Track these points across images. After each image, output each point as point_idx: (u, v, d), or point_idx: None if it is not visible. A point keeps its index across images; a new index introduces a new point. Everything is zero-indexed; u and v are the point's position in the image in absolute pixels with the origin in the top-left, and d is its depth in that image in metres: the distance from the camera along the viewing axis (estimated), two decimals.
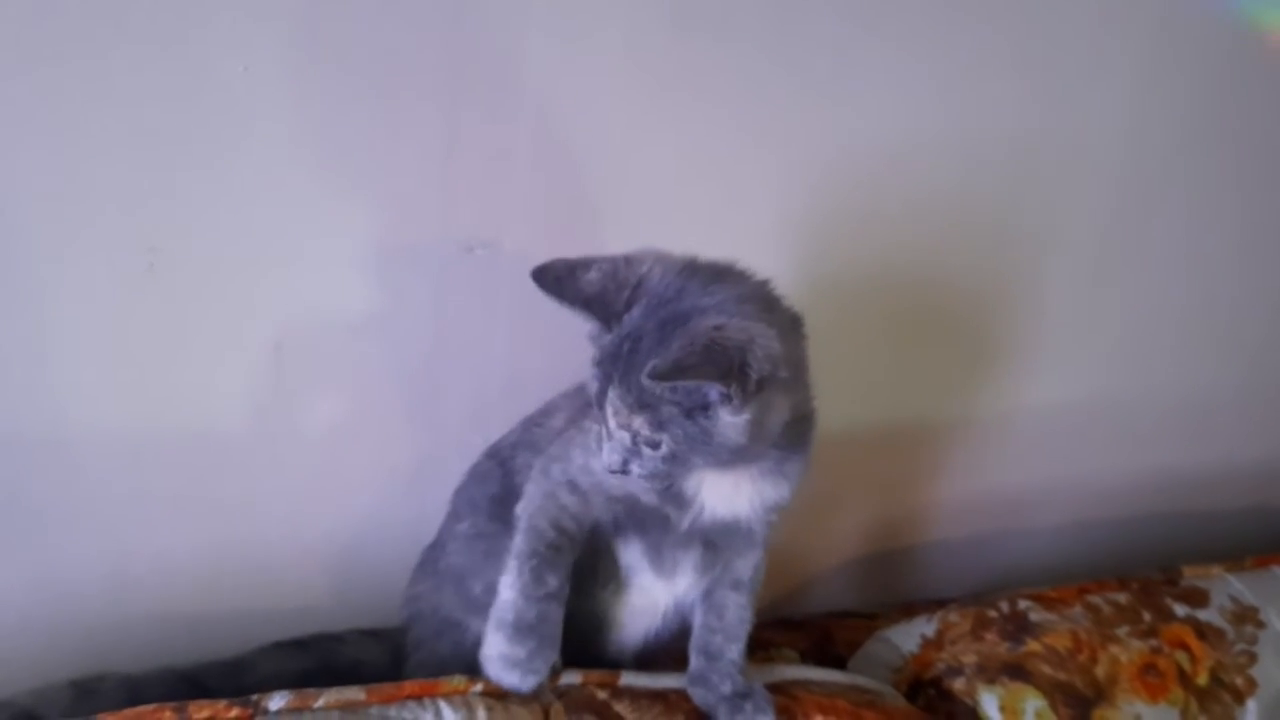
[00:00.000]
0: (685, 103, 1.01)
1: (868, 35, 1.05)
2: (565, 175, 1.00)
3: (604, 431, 0.82)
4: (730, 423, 0.77)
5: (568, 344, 1.07)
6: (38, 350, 0.92)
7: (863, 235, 1.13)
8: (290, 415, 1.02)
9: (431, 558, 1.03)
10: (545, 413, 0.99)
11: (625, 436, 0.80)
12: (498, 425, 1.06)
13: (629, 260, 0.81)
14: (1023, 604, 1.16)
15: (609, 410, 0.80)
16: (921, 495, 1.35)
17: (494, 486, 0.99)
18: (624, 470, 0.82)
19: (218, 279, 0.94)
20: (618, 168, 1.01)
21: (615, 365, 0.78)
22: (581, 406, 0.94)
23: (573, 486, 0.90)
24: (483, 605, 0.98)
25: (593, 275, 0.80)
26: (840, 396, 1.20)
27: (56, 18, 0.80)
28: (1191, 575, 1.25)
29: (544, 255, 1.02)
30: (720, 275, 0.81)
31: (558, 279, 0.80)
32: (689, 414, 0.77)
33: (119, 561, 1.02)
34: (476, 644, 0.98)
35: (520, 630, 0.88)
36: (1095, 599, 1.19)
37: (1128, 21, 1.14)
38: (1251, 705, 1.15)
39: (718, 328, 0.76)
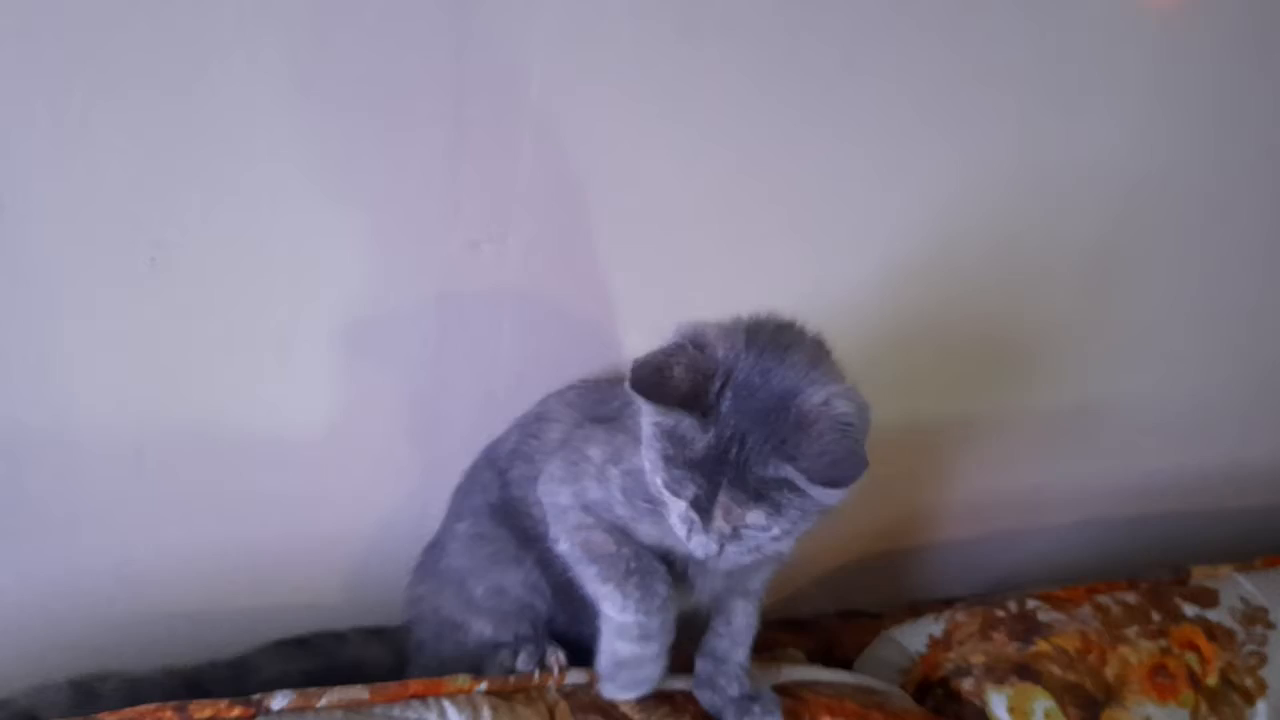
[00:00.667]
0: (689, 105, 1.00)
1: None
2: (571, 171, 0.99)
3: (693, 523, 0.80)
4: (842, 491, 0.76)
5: (573, 341, 1.07)
6: (41, 348, 0.91)
7: (867, 237, 1.13)
8: (295, 412, 1.01)
9: (432, 559, 1.03)
10: (541, 419, 0.98)
11: (727, 527, 0.79)
12: (504, 423, 1.06)
13: (697, 343, 0.79)
14: (1031, 604, 1.16)
15: (719, 511, 0.79)
16: (929, 495, 1.34)
17: (493, 495, 0.99)
18: (719, 553, 0.82)
19: (222, 275, 0.93)
20: (623, 164, 1.00)
21: (723, 468, 0.77)
22: (579, 420, 0.94)
23: (598, 519, 0.89)
24: (484, 607, 0.98)
25: (678, 372, 0.77)
26: None
27: (60, 14, 0.80)
28: (1201, 576, 1.24)
29: (550, 252, 1.02)
30: (782, 337, 0.80)
31: (653, 385, 0.76)
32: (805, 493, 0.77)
33: (121, 560, 1.02)
34: (479, 644, 0.98)
35: (646, 639, 0.89)
36: (1104, 599, 1.18)
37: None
38: (1261, 707, 1.14)
39: (826, 403, 0.76)
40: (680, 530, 0.82)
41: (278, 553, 1.06)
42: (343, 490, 1.07)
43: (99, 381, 0.94)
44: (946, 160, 1.11)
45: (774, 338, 0.80)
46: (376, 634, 1.08)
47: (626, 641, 0.90)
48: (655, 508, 0.86)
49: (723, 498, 0.78)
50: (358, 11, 0.87)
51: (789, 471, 0.75)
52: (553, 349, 1.06)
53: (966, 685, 1.07)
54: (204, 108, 0.86)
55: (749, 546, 0.81)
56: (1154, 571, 1.24)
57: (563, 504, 0.90)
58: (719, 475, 0.77)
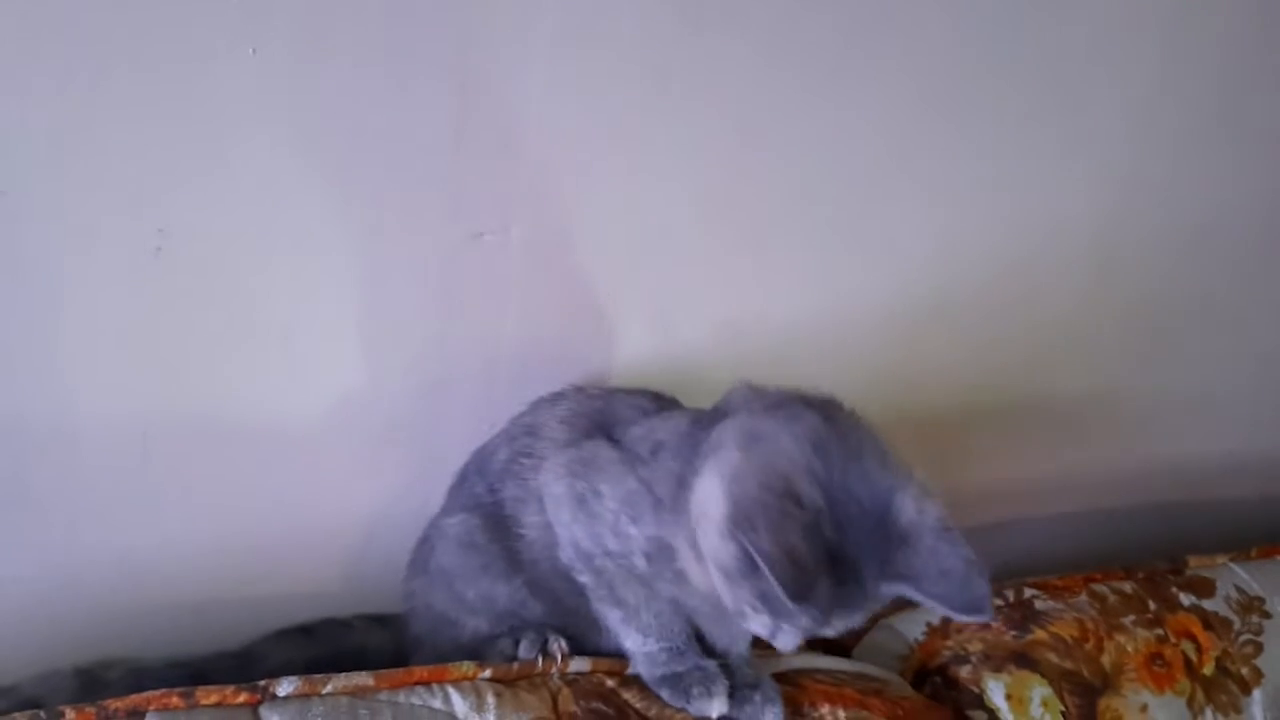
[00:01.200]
0: (691, 97, 1.00)
1: None
2: (574, 162, 1.00)
3: (781, 630, 0.79)
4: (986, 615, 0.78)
5: (576, 332, 1.08)
6: (43, 336, 0.91)
7: (870, 229, 1.13)
8: (297, 402, 1.01)
9: (422, 555, 1.02)
10: (533, 434, 0.97)
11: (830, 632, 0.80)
12: (505, 415, 1.06)
13: (792, 496, 0.76)
14: (1028, 593, 1.16)
15: (829, 631, 0.79)
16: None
17: (485, 507, 0.98)
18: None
19: (226, 263, 0.93)
20: (626, 155, 1.01)
21: (835, 604, 0.76)
22: (575, 439, 0.94)
23: (618, 566, 0.89)
24: (477, 608, 0.98)
25: (801, 549, 0.74)
26: (850, 387, 1.21)
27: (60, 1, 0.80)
28: (1197, 565, 1.25)
29: (553, 243, 1.03)
30: (848, 442, 0.79)
31: (807, 587, 0.73)
32: None
33: (124, 550, 1.02)
34: (474, 640, 0.98)
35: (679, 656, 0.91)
36: (1101, 588, 1.18)
37: None
38: (1257, 695, 1.15)
39: (920, 512, 0.77)
40: (763, 631, 0.81)
41: (280, 543, 1.06)
42: (344, 480, 1.07)
43: (101, 373, 0.94)
44: (953, 152, 1.11)
45: (841, 446, 0.79)
46: (380, 621, 1.08)
47: (658, 666, 0.92)
48: (680, 583, 0.86)
49: (836, 621, 0.78)
50: (360, 4, 0.87)
51: (909, 592, 0.76)
52: (556, 339, 1.07)
53: (964, 672, 1.08)
54: (207, 97, 0.86)
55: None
56: (1150, 561, 1.24)
57: (585, 548, 0.89)
58: (831, 609, 0.76)
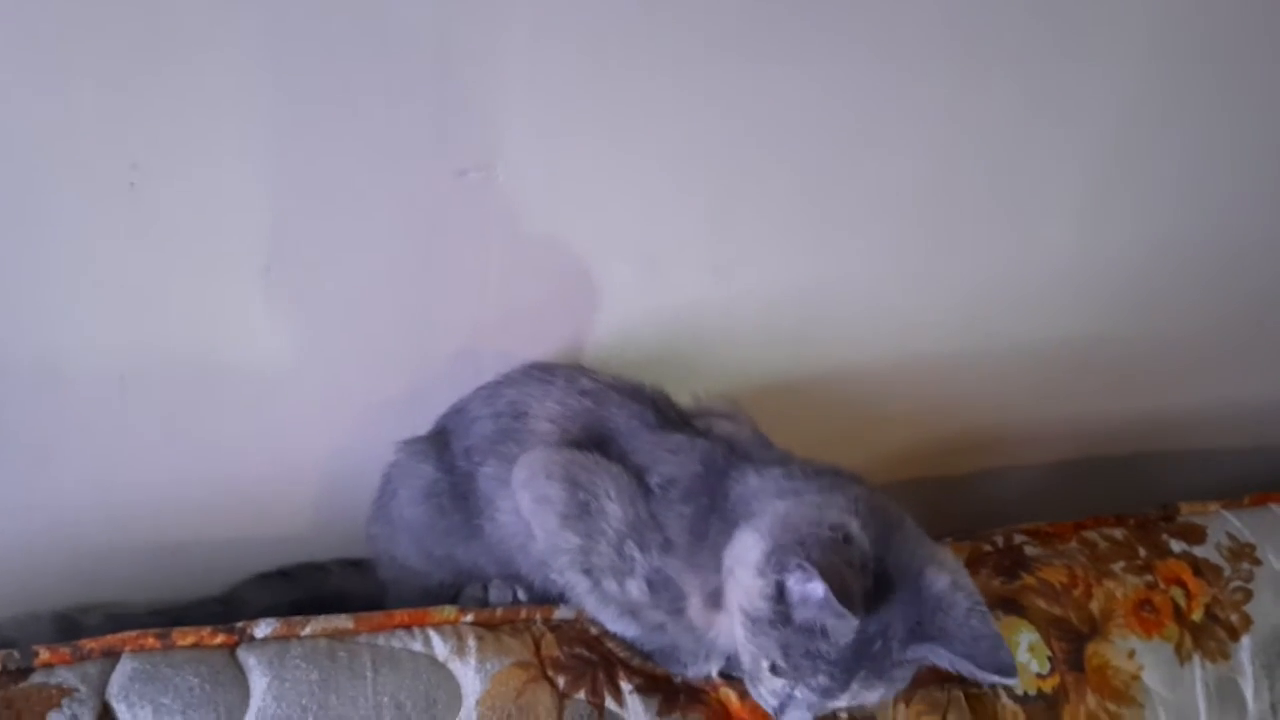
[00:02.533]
0: (684, 27, 0.97)
1: None
2: (561, 100, 0.97)
3: (793, 700, 0.79)
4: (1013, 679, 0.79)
5: (562, 272, 1.06)
6: (17, 275, 0.89)
7: (859, 175, 1.11)
8: (279, 341, 0.99)
9: (384, 499, 1.01)
10: (521, 417, 0.95)
11: (841, 703, 0.80)
12: (489, 358, 1.05)
13: (848, 536, 0.77)
14: (1019, 539, 1.16)
15: (844, 697, 0.78)
16: (921, 431, 1.34)
17: (461, 476, 0.96)
18: None
19: (202, 199, 0.90)
20: (614, 94, 0.98)
21: (862, 660, 0.76)
22: (567, 430, 0.92)
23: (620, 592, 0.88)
24: (443, 564, 0.97)
25: (850, 576, 0.75)
26: (838, 334, 1.20)
27: None
28: (1189, 512, 1.24)
29: (539, 182, 1.00)
30: (887, 515, 0.81)
31: (851, 597, 0.74)
32: None
33: (103, 491, 1.01)
34: (440, 589, 0.98)
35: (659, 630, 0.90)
36: (1092, 535, 1.18)
37: None
38: (1246, 641, 1.14)
39: (955, 584, 0.78)
40: (768, 703, 0.81)
41: (263, 484, 1.05)
42: (327, 421, 1.05)
43: (78, 312, 0.93)
44: (942, 101, 1.09)
45: (883, 512, 0.81)
46: (356, 565, 1.08)
47: (647, 644, 0.92)
48: (675, 617, 0.86)
49: (855, 687, 0.77)
50: None
51: (937, 654, 0.76)
52: (541, 280, 1.05)
53: None
54: (178, 28, 0.83)
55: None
56: (1142, 508, 1.24)
57: (573, 556, 0.88)
58: (856, 667, 0.76)
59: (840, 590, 0.72)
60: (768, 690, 0.80)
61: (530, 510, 0.88)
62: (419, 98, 0.92)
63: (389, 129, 0.93)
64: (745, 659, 0.81)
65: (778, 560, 0.76)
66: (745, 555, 0.79)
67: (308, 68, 0.88)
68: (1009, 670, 0.76)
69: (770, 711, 0.81)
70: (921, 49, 1.05)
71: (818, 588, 0.73)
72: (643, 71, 0.98)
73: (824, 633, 0.75)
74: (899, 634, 0.76)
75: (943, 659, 0.77)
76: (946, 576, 0.78)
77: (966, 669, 0.76)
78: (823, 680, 0.77)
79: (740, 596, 0.79)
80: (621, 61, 0.96)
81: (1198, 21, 1.14)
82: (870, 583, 0.76)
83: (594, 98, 0.97)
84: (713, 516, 0.84)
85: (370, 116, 0.92)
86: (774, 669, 0.78)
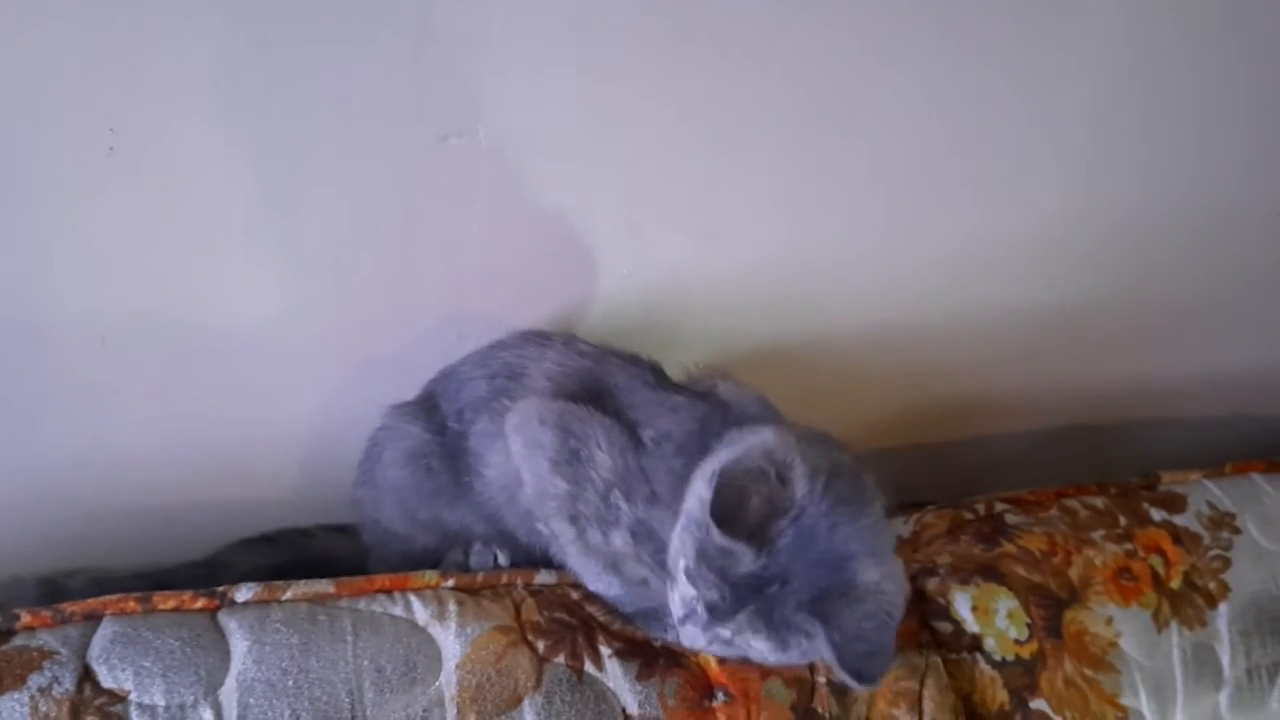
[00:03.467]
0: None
1: None
2: (545, 60, 0.96)
3: (694, 615, 0.80)
4: (871, 684, 0.79)
5: (543, 236, 1.05)
6: (1, 239, 0.89)
7: (850, 131, 1.10)
8: (260, 304, 0.99)
9: (369, 463, 1.01)
10: (515, 378, 0.95)
11: (727, 634, 0.79)
12: (473, 321, 1.05)
13: (781, 474, 0.77)
14: (1000, 507, 1.17)
15: (731, 626, 0.78)
16: (904, 397, 1.34)
17: (452, 437, 0.96)
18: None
19: (181, 162, 0.90)
20: (595, 57, 0.97)
21: (754, 595, 0.76)
22: (564, 387, 0.92)
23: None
24: (428, 527, 0.98)
25: (755, 502, 0.76)
26: (824, 300, 1.20)
27: None
28: (1170, 481, 1.24)
29: (522, 145, 0.99)
30: (859, 494, 0.80)
31: (729, 510, 0.75)
32: None
33: (87, 451, 1.01)
34: (424, 554, 0.98)
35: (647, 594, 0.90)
36: (1072, 503, 1.19)
37: None
38: (1223, 609, 1.15)
39: (879, 585, 0.77)
40: (676, 610, 0.81)
41: (247, 446, 1.06)
42: (311, 384, 1.06)
43: (60, 274, 0.92)
44: (929, 63, 1.08)
45: (853, 492, 0.80)
46: (341, 530, 1.08)
47: (629, 606, 0.92)
48: (657, 569, 0.86)
49: (741, 617, 0.77)
50: None
51: (819, 632, 0.76)
52: (523, 244, 1.05)
53: (931, 585, 1.08)
54: None
55: (735, 652, 0.81)
56: (1123, 476, 1.24)
57: (561, 501, 0.88)
58: (747, 599, 0.77)
59: (724, 508, 0.74)
60: (679, 596, 0.81)
61: (521, 454, 0.89)
62: (401, 62, 0.91)
63: (371, 93, 0.92)
64: (669, 557, 0.82)
65: (716, 475, 0.77)
66: (706, 465, 0.81)
67: (289, 32, 0.87)
68: (863, 677, 0.76)
69: (675, 619, 0.82)
70: (903, 17, 1.04)
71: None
72: (626, 38, 0.97)
73: (728, 553, 0.76)
74: (799, 593, 0.76)
75: (821, 646, 0.76)
76: (875, 574, 0.78)
77: (835, 663, 0.76)
78: (714, 596, 0.77)
79: (689, 496, 0.81)
80: (605, 27, 0.95)
81: None
82: (783, 528, 0.76)
83: (577, 65, 0.96)
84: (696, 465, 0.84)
85: (352, 80, 0.91)
86: (687, 573, 0.79)
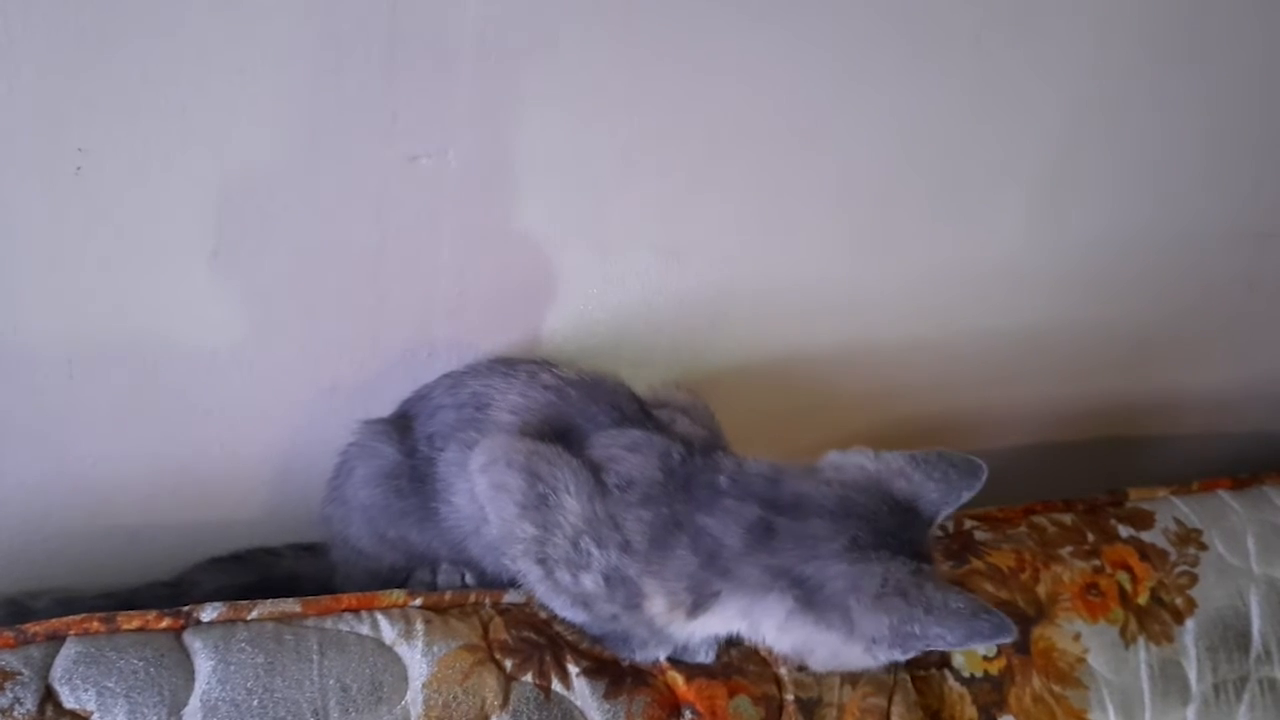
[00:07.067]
0: (639, 12, 0.97)
1: None
2: (514, 84, 0.97)
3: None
4: None
5: (515, 260, 1.06)
6: None
7: (819, 149, 1.12)
8: (227, 326, 0.99)
9: (338, 481, 1.01)
10: (484, 408, 0.94)
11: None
12: (443, 346, 1.05)
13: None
14: (968, 524, 1.17)
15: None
16: (874, 416, 1.34)
17: (421, 460, 0.96)
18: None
19: (149, 183, 0.90)
20: (570, 76, 0.98)
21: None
22: (528, 422, 0.92)
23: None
24: (396, 546, 0.98)
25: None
26: (792, 317, 1.20)
27: None
28: (1137, 497, 1.26)
29: (492, 165, 1.00)
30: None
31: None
32: None
33: (53, 474, 1.00)
34: (391, 572, 0.98)
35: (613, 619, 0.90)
36: (1040, 519, 1.20)
37: None
38: (1190, 624, 1.16)
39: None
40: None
41: (213, 468, 1.05)
42: (278, 407, 1.05)
43: (26, 296, 0.92)
44: (897, 83, 1.09)
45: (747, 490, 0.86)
46: (309, 549, 1.08)
47: (597, 630, 0.93)
48: (630, 612, 0.86)
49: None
50: None
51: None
52: (493, 264, 1.05)
53: None
54: (129, 6, 0.82)
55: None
56: (1091, 493, 1.25)
57: (530, 546, 0.87)
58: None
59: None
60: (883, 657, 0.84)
61: (487, 496, 0.88)
62: (370, 83, 0.92)
63: (340, 114, 0.93)
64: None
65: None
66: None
67: (256, 53, 0.88)
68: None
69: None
70: (873, 41, 1.05)
71: None
72: (595, 59, 0.98)
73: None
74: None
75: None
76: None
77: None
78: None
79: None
80: (574, 49, 0.96)
81: (1146, 11, 1.15)
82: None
83: (546, 86, 0.97)
84: (679, 533, 0.84)
85: (321, 101, 0.91)
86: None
